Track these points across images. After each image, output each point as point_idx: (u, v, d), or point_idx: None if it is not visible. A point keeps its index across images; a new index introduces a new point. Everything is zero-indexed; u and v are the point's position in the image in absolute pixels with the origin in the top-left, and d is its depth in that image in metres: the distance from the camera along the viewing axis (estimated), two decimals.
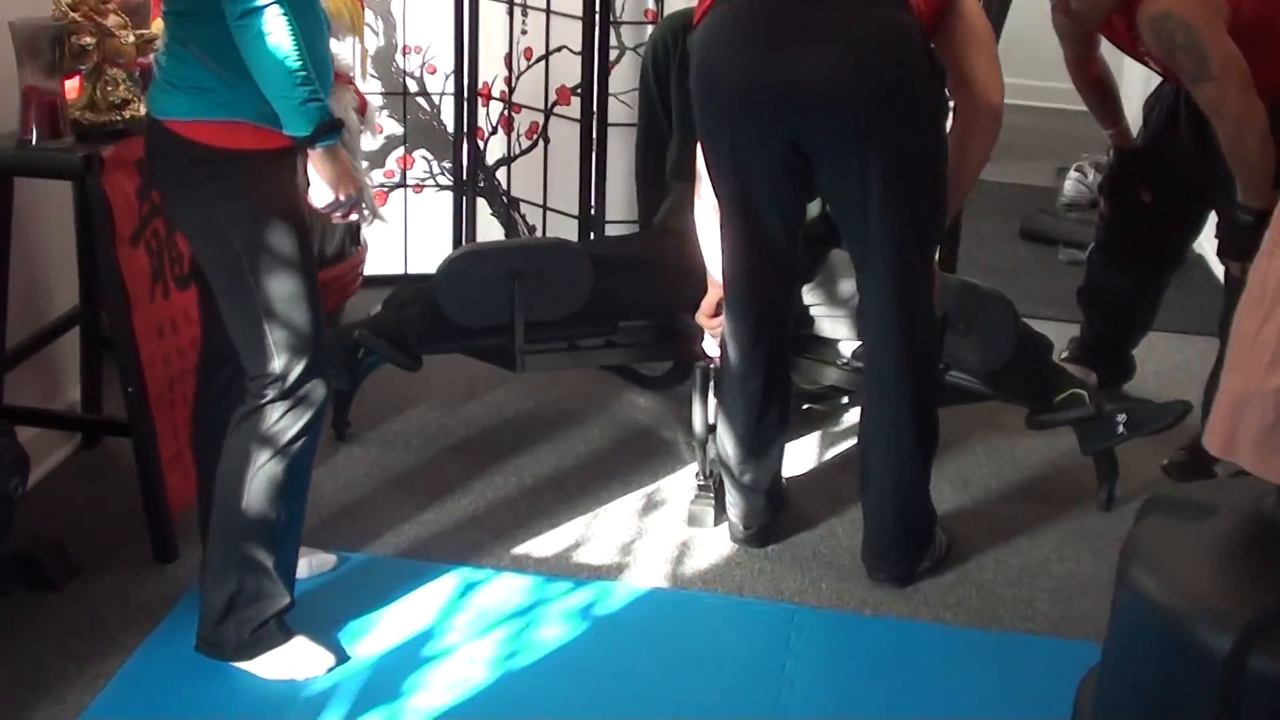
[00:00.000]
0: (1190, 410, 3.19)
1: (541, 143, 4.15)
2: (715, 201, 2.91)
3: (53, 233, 3.20)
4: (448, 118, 4.30)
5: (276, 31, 2.25)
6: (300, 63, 2.27)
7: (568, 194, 4.07)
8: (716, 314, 3.06)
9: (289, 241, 2.45)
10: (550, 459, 3.40)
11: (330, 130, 2.35)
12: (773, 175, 2.75)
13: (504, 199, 4.29)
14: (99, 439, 3.32)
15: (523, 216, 4.27)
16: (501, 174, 4.29)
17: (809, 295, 3.32)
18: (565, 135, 4.06)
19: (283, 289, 2.44)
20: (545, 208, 4.19)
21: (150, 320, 2.84)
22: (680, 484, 3.30)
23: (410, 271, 4.29)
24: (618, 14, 3.91)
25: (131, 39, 2.78)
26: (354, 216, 2.51)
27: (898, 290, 2.76)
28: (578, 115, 3.97)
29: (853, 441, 3.48)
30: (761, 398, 2.93)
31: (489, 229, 4.35)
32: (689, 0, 3.69)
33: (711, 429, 3.23)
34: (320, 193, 2.42)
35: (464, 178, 4.31)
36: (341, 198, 2.43)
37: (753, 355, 2.91)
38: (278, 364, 2.46)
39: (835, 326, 3.33)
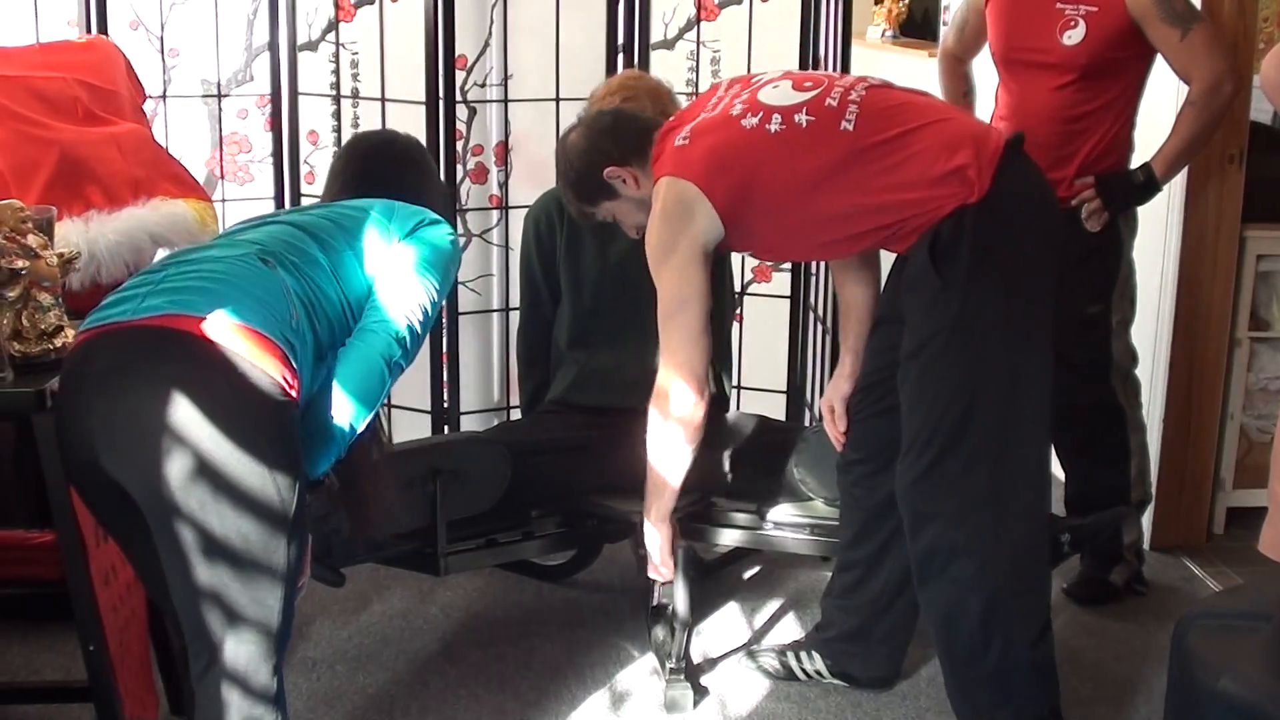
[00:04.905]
0: (1126, 515, 3.30)
1: None
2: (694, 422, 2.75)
3: None
4: None
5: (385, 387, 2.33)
6: None
7: (415, 388, 3.92)
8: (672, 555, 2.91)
9: None
10: (490, 665, 3.20)
11: None
12: None
13: None
14: None
15: None
16: None
17: (729, 460, 3.31)
18: None
19: None
20: (390, 405, 4.01)
21: (98, 567, 2.53)
22: (633, 672, 3.18)
23: None
24: (463, 202, 3.84)
25: (55, 260, 2.51)
26: None
27: None
28: None
29: (776, 597, 3.48)
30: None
31: None
32: (537, 186, 3.69)
33: (657, 611, 3.16)
34: None
35: None
36: None
37: None
38: None
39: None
